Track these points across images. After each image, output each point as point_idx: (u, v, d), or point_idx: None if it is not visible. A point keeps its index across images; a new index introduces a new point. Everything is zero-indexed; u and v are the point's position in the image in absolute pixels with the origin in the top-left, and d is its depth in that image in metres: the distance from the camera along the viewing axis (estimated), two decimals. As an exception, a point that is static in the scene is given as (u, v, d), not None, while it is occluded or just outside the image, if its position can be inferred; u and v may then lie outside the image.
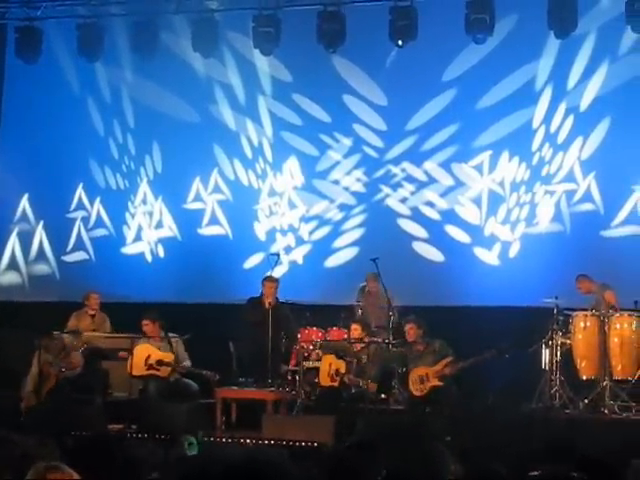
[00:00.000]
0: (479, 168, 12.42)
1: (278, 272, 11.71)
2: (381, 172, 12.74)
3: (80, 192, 13.60)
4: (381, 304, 11.43)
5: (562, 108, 12.12)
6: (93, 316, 11.93)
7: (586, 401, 10.12)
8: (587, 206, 12.06)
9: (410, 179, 12.64)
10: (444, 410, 10.01)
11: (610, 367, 10.25)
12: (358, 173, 12.81)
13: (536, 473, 4.37)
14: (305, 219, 12.98)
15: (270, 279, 11.23)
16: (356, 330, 10.80)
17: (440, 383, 10.27)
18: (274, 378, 10.71)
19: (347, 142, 12.84)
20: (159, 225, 13.42)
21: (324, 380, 10.74)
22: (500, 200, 12.35)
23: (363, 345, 10.79)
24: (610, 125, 11.90)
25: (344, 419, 9.66)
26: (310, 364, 11.13)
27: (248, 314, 11.15)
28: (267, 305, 10.96)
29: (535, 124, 12.21)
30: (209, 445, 8.20)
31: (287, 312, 11.17)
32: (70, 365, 11.03)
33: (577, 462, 4.38)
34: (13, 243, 13.86)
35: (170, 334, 10.86)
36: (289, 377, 11.17)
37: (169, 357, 10.74)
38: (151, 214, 13.45)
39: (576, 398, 10.22)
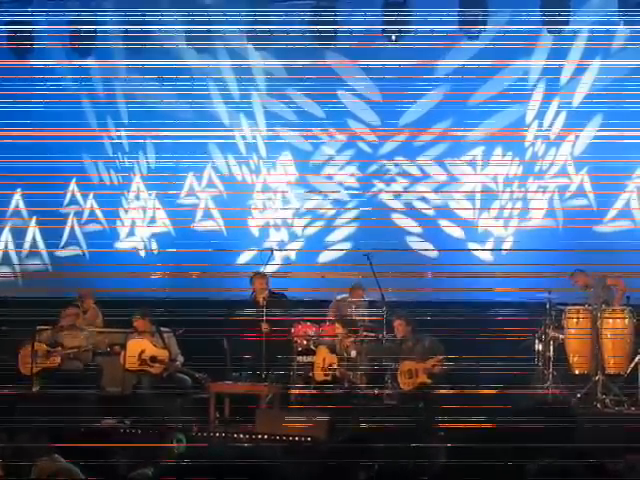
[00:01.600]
0: (472, 163, 12.42)
1: (271, 267, 11.70)
2: (375, 167, 12.74)
3: (73, 187, 13.58)
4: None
5: (555, 104, 12.12)
6: (85, 312, 11.91)
7: (579, 396, 10.14)
8: (580, 201, 12.08)
9: (404, 174, 12.63)
10: (435, 405, 10.00)
11: (602, 362, 10.27)
12: (352, 168, 12.81)
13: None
14: (299, 214, 12.97)
15: (259, 275, 11.19)
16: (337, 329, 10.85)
17: (429, 380, 10.26)
18: (277, 373, 10.68)
19: (341, 137, 12.83)
20: (152, 220, 13.40)
21: (318, 375, 10.73)
22: (493, 195, 12.36)
23: (353, 340, 10.78)
24: (603, 121, 11.91)
25: (338, 414, 9.65)
26: (304, 359, 11.11)
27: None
28: (261, 301, 10.95)
29: (528, 120, 12.22)
30: (202, 440, 8.20)
31: (283, 302, 11.14)
32: (82, 356, 11.00)
33: (570, 457, 4.39)
34: (6, 238, 13.82)
35: (163, 329, 10.83)
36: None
37: (163, 354, 10.68)
38: (144, 209, 13.43)
39: (569, 393, 10.23)
